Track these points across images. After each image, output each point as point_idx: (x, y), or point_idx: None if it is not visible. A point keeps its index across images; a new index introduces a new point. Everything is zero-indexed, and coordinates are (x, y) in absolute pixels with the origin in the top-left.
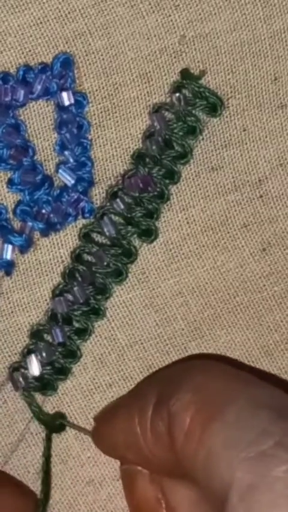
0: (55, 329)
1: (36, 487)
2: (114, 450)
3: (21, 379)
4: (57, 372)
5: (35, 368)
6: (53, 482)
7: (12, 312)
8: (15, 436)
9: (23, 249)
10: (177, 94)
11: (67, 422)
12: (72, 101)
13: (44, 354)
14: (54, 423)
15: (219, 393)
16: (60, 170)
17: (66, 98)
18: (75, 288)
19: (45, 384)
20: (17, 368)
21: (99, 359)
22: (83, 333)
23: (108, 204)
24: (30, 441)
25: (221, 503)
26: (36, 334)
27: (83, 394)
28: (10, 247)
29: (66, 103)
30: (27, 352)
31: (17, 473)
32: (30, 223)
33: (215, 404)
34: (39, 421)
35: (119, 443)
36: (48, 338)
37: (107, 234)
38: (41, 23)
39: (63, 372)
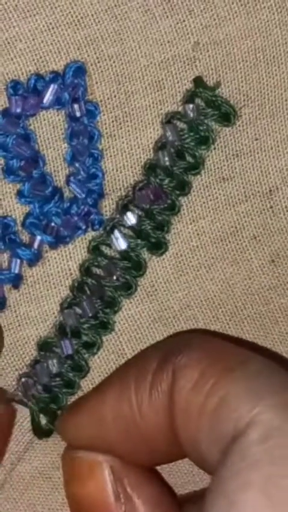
0: (64, 341)
1: (43, 491)
2: (92, 433)
3: (30, 383)
4: (65, 386)
5: (43, 376)
6: (56, 485)
7: (19, 325)
8: (22, 445)
9: (31, 262)
10: (191, 105)
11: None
12: (84, 112)
13: (52, 364)
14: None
15: (231, 352)
16: (70, 183)
17: (77, 109)
18: (84, 302)
19: (54, 397)
20: (25, 382)
21: (107, 373)
22: (92, 346)
23: (118, 216)
24: (36, 448)
25: (225, 444)
26: (44, 346)
27: None
28: (18, 261)
29: (78, 114)
30: (35, 363)
31: (23, 479)
32: (39, 237)
33: (230, 358)
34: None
35: (106, 423)
36: (56, 350)
37: (117, 248)
38: (52, 28)
39: (71, 386)
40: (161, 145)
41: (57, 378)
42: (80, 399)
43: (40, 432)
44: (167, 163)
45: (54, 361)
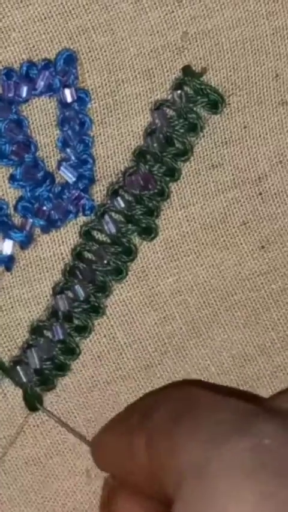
0: (55, 326)
1: (36, 478)
2: (108, 467)
3: (21, 372)
4: (56, 368)
5: (34, 361)
6: (50, 472)
7: (12, 307)
8: (14, 429)
9: (24, 245)
10: (179, 91)
11: (42, 408)
12: (75, 98)
13: (43, 349)
14: (33, 402)
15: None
16: (61, 168)
17: (69, 95)
18: (76, 286)
19: (45, 379)
20: (18, 361)
21: (98, 357)
22: (83, 330)
23: (109, 201)
24: (28, 434)
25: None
26: (36, 330)
27: (81, 391)
28: (10, 242)
29: (69, 100)
30: (27, 347)
31: (15, 464)
32: (31, 220)
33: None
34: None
35: (110, 461)
36: (48, 334)
37: (108, 232)
38: (45, 18)
39: (62, 369)
40: (150, 131)
41: (48, 362)
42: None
43: (31, 405)
44: (156, 149)
45: (45, 346)
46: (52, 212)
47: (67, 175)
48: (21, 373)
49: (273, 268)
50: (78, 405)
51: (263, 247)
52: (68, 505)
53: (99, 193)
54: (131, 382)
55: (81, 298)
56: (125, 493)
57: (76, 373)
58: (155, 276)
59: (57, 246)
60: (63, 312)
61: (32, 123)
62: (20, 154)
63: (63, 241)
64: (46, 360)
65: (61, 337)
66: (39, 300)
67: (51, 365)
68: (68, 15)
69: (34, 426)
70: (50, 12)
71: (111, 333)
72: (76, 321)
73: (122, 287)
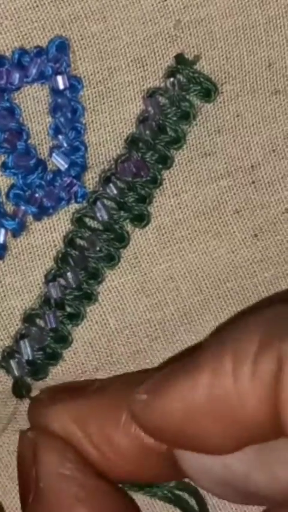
0: (48, 314)
1: None
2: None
3: (14, 366)
4: (48, 358)
5: (27, 352)
6: None
7: (4, 295)
8: (5, 417)
9: (16, 232)
10: (171, 79)
11: (29, 397)
12: (67, 85)
13: (36, 339)
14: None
15: None
16: (53, 155)
17: (61, 82)
18: (68, 273)
19: (37, 370)
20: (10, 353)
21: (90, 343)
22: (75, 317)
23: (101, 188)
24: (20, 421)
25: None
26: (28, 319)
27: (71, 378)
28: (3, 230)
29: (61, 87)
30: (19, 337)
31: (7, 450)
32: (23, 207)
33: None
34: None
35: (195, 410)
36: (40, 322)
37: (100, 219)
38: (37, 6)
39: (54, 358)
40: (142, 119)
41: (40, 351)
42: (155, 384)
43: (19, 393)
44: (149, 137)
45: (38, 335)
46: (44, 199)
47: (59, 162)
48: (14, 367)
49: (266, 257)
50: None
51: (256, 235)
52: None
53: (91, 180)
54: (119, 367)
55: (74, 286)
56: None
57: (67, 361)
58: (147, 262)
59: (49, 233)
60: (55, 299)
61: (24, 111)
62: (12, 141)
63: (55, 229)
64: (38, 350)
65: (54, 325)
66: (32, 288)
67: (43, 354)
68: (60, 3)
69: (26, 412)
70: (42, 0)
71: (103, 320)
72: (68, 309)
73: (114, 273)
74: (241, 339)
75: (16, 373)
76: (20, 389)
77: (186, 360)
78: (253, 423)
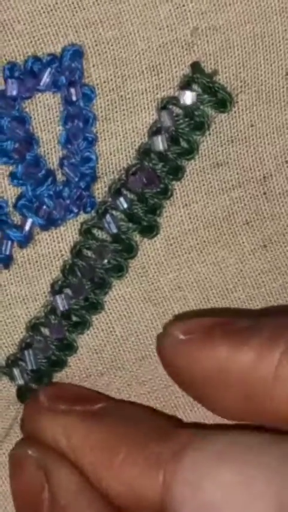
0: (54, 324)
1: None
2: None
3: (18, 374)
4: (53, 365)
5: (31, 361)
6: None
7: (10, 304)
8: (7, 422)
9: (22, 244)
10: (188, 92)
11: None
12: (80, 96)
13: (41, 349)
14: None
15: None
16: (64, 167)
17: (74, 93)
18: (75, 284)
19: (41, 376)
20: (14, 361)
21: (95, 350)
22: (81, 326)
23: (110, 199)
24: None
25: None
26: (33, 328)
27: (74, 382)
28: (9, 242)
29: (74, 98)
30: (24, 346)
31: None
32: (30, 219)
33: None
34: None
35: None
36: (45, 331)
37: (109, 231)
38: (51, 10)
39: (58, 365)
40: (155, 130)
41: (44, 360)
42: (192, 328)
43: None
44: (161, 148)
45: (43, 344)
46: (53, 211)
47: (69, 174)
48: (17, 375)
49: (274, 267)
50: None
51: (265, 246)
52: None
53: (100, 190)
54: (124, 373)
55: (81, 298)
56: (30, 460)
57: (72, 366)
58: (155, 272)
59: (56, 243)
60: (61, 310)
61: (35, 119)
62: (21, 152)
63: (62, 239)
64: (43, 358)
65: (60, 335)
66: (37, 297)
67: (47, 362)
68: (75, 8)
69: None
70: (56, 4)
71: (109, 328)
72: (74, 318)
73: (121, 283)
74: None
75: (19, 381)
76: (24, 394)
77: (230, 323)
78: (276, 418)
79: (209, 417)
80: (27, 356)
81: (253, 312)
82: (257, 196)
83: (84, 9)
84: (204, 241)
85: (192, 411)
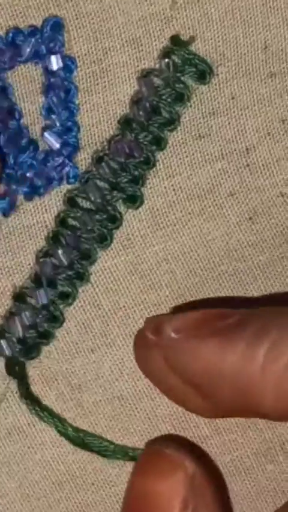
0: (39, 290)
1: (18, 448)
2: None
3: (5, 345)
4: (40, 336)
5: (18, 330)
6: (33, 442)
7: None
8: None
9: (6, 212)
10: (166, 60)
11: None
12: (61, 65)
13: (27, 316)
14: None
15: None
16: (45, 134)
17: (54, 62)
18: (60, 251)
19: (29, 349)
20: (1, 331)
21: (83, 324)
22: (67, 297)
23: (93, 169)
24: (11, 401)
25: None
26: (19, 297)
27: (64, 358)
28: None
29: (55, 67)
30: (9, 315)
31: None
32: (13, 186)
33: None
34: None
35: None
36: (31, 301)
37: (92, 199)
38: None
39: (46, 337)
40: (136, 100)
41: (31, 330)
42: (187, 326)
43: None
44: (142, 118)
45: (28, 313)
46: (35, 178)
47: (51, 142)
48: (4, 346)
49: (260, 240)
50: (61, 371)
51: (250, 218)
52: (50, 476)
53: (83, 160)
54: (115, 349)
55: (65, 264)
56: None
57: (60, 340)
58: (141, 244)
59: (41, 213)
60: (46, 277)
61: (17, 90)
62: (4, 121)
63: (46, 209)
64: (30, 328)
65: (45, 301)
66: (22, 268)
67: (35, 333)
68: None
69: (17, 392)
70: None
71: (96, 301)
72: (60, 288)
73: (106, 254)
74: (283, 332)
75: (7, 352)
76: (13, 368)
77: (219, 318)
78: (267, 414)
79: None
80: (12, 324)
81: (247, 300)
82: (240, 168)
83: None
84: (189, 213)
85: None
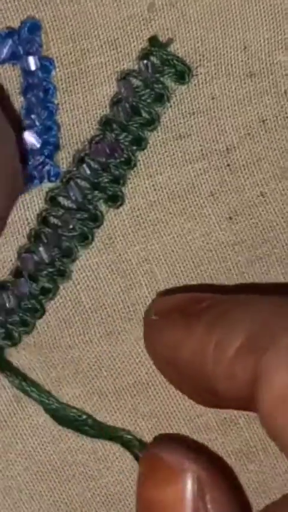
0: (20, 280)
1: (1, 439)
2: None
3: None
4: (20, 324)
5: None
6: (14, 432)
7: None
8: None
9: None
10: (145, 61)
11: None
12: (38, 65)
13: (8, 299)
14: None
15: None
16: (25, 133)
17: (32, 62)
18: (41, 249)
19: (9, 333)
20: None
21: (63, 319)
22: (48, 292)
23: (74, 168)
24: None
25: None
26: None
27: (42, 351)
28: None
29: (33, 67)
30: None
31: None
32: None
33: None
34: None
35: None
36: (14, 290)
37: (73, 198)
38: None
39: (26, 325)
40: (116, 101)
41: (12, 315)
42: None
43: None
44: (123, 118)
45: (10, 296)
46: None
47: (31, 141)
48: None
49: (240, 240)
50: (39, 363)
51: (230, 218)
52: (32, 467)
53: (64, 160)
54: (93, 347)
55: (47, 261)
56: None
57: (41, 333)
58: (122, 243)
59: (23, 211)
60: (28, 272)
61: None
62: None
63: (28, 207)
64: (10, 312)
65: (25, 290)
66: (4, 264)
67: (16, 318)
68: None
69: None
70: None
71: (77, 298)
72: (41, 283)
73: (88, 253)
74: (227, 328)
75: None
76: None
77: (195, 304)
78: (226, 402)
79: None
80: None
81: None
82: (221, 167)
83: None
84: (170, 213)
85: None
